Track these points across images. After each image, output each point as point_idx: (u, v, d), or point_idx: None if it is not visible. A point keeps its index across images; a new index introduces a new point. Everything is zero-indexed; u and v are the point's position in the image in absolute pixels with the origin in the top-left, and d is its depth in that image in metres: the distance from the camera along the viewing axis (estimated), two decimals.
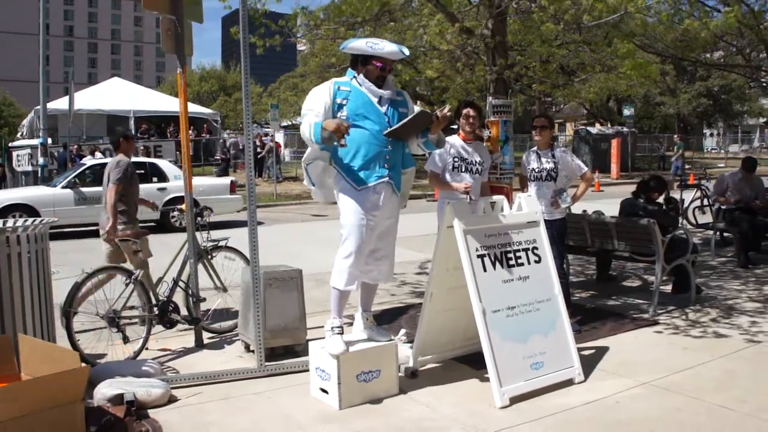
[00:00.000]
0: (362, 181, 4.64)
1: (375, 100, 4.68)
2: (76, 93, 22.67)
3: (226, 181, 16.77)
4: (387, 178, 4.71)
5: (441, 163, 5.72)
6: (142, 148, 25.18)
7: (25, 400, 3.33)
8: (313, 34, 8.97)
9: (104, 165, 15.33)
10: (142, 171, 15.19)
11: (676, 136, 33.49)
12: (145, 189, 14.63)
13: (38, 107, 21.88)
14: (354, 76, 4.75)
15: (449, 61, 8.54)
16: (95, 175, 14.97)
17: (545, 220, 5.70)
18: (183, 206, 6.04)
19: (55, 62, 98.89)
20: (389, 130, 4.66)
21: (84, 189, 14.32)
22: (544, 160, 6.20)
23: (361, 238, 4.63)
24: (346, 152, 4.63)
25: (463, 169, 5.71)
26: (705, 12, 9.10)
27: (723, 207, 10.10)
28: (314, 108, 4.62)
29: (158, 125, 30.69)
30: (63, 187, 14.30)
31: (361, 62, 4.75)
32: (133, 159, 7.23)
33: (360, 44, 4.77)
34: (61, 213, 13.07)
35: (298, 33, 8.81)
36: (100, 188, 13.98)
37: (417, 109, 4.86)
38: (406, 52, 4.83)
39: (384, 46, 4.71)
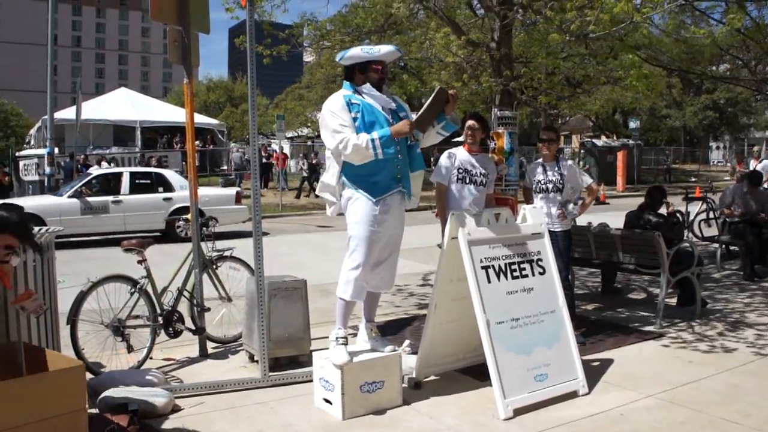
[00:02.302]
0: (376, 192, 4.65)
1: (380, 109, 4.70)
2: (83, 103, 22.73)
3: (231, 191, 16.78)
4: (400, 187, 4.74)
5: (446, 174, 5.74)
6: (153, 159, 25.28)
7: (24, 401, 3.32)
8: (320, 45, 9.01)
9: (111, 175, 15.58)
10: (148, 181, 15.31)
11: (582, 150, 33.38)
12: (151, 199, 14.84)
13: (46, 117, 21.99)
14: (356, 89, 4.76)
15: (455, 72, 8.57)
16: (102, 185, 15.06)
17: (551, 232, 5.70)
18: (188, 216, 6.06)
19: (63, 72, 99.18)
20: (415, 118, 4.71)
21: (90, 198, 14.37)
22: (550, 172, 6.20)
23: (370, 250, 4.64)
24: (360, 166, 4.64)
25: (468, 181, 5.72)
26: (709, 24, 9.12)
27: (728, 220, 10.08)
28: (347, 123, 4.61)
29: (164, 135, 30.80)
30: (69, 197, 14.34)
31: (359, 70, 4.76)
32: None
33: (356, 52, 4.80)
34: (68, 222, 13.12)
35: (304, 42, 8.84)
36: (106, 198, 14.34)
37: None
38: (401, 50, 4.88)
39: (380, 48, 4.79)
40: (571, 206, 6.18)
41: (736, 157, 17.97)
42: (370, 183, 4.66)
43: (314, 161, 27.03)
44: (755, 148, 16.98)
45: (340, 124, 4.61)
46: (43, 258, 4.63)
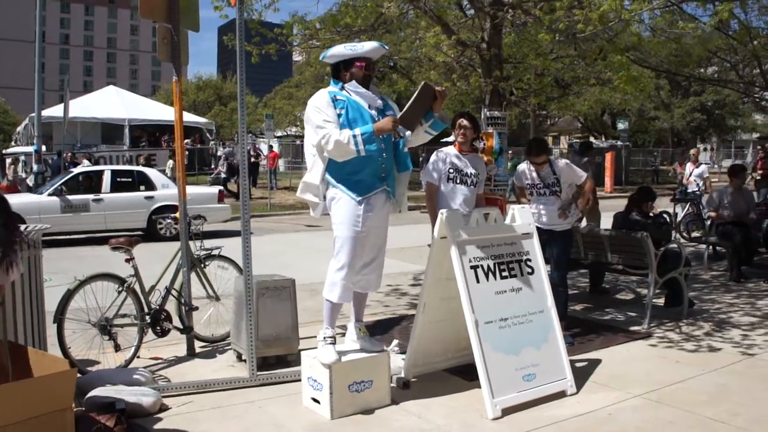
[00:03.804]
0: (360, 192, 4.60)
1: (366, 107, 4.67)
2: (71, 101, 22.60)
3: (214, 190, 16.73)
4: (384, 186, 4.71)
5: (436, 174, 5.72)
6: (142, 158, 25.10)
7: (13, 404, 3.30)
8: (309, 44, 8.98)
9: (92, 173, 15.41)
10: (130, 179, 15.21)
11: (510, 152, 33.23)
12: (132, 197, 14.74)
13: (33, 114, 21.84)
14: (342, 86, 4.73)
15: (445, 72, 8.57)
16: (83, 183, 14.91)
17: (553, 231, 5.72)
18: (176, 215, 6.04)
19: (51, 70, 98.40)
20: (400, 115, 4.66)
21: (71, 197, 14.20)
22: (543, 175, 6.20)
23: (355, 250, 4.61)
24: (343, 163, 4.61)
25: (458, 181, 5.70)
26: (697, 27, 9.16)
27: (716, 221, 10.12)
28: (331, 119, 4.55)
29: (152, 134, 30.67)
30: (49, 195, 14.17)
31: (343, 68, 4.72)
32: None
33: (339, 50, 4.76)
34: (47, 221, 12.95)
35: (294, 42, 8.82)
36: (87, 196, 14.22)
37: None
38: (386, 46, 4.84)
39: (363, 45, 4.74)
40: (572, 206, 6.19)
41: (678, 159, 17.63)
42: (354, 182, 4.61)
43: (235, 161, 24.55)
44: (691, 152, 16.55)
45: (323, 119, 4.56)
46: (30, 255, 4.60)
